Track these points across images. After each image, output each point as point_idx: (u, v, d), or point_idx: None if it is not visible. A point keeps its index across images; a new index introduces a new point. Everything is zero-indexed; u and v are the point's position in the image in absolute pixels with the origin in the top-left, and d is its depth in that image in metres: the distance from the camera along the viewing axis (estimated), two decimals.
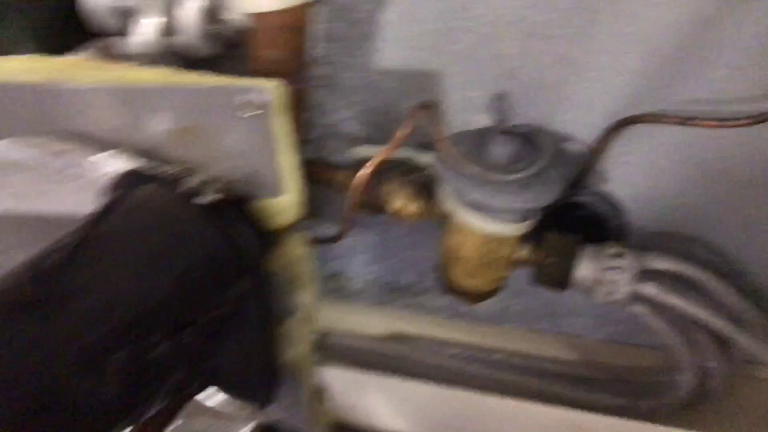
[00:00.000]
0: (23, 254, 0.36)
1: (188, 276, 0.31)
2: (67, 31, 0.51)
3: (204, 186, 0.34)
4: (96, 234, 0.31)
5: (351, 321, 0.58)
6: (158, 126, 0.35)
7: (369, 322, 0.58)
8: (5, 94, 0.35)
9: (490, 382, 0.49)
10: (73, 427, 0.25)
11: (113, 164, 0.35)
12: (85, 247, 0.30)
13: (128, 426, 0.29)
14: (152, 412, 0.30)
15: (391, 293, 0.58)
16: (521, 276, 0.47)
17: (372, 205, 0.44)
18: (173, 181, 0.35)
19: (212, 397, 0.47)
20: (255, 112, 0.33)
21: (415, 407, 0.52)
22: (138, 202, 0.33)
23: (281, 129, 0.33)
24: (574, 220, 0.48)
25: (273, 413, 0.47)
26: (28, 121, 0.36)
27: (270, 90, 0.32)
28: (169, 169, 0.35)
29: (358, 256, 0.56)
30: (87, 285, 0.28)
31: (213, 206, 0.34)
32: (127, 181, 0.35)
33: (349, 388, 0.49)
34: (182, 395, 0.37)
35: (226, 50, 0.45)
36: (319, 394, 0.48)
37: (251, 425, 0.49)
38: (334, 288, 0.59)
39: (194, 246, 0.32)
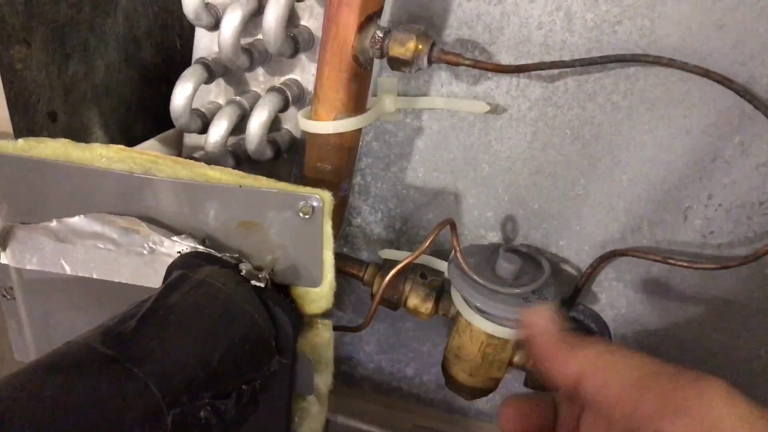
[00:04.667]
0: (92, 313, 0.40)
1: (238, 349, 0.34)
2: (139, 121, 0.57)
3: (256, 271, 0.37)
4: (162, 306, 0.33)
5: (351, 405, 0.61)
6: (221, 218, 0.38)
7: (369, 408, 0.60)
8: (93, 178, 0.38)
9: None
10: None
11: (177, 246, 0.39)
12: (153, 317, 0.32)
13: None
14: None
15: (393, 382, 0.60)
16: (517, 377, 0.50)
17: (390, 300, 0.47)
18: (230, 264, 0.38)
19: None
20: (308, 216, 0.36)
21: None
22: (199, 281, 0.35)
23: (326, 230, 0.37)
24: None
25: None
26: (108, 201, 0.39)
27: (323, 198, 0.36)
28: (226, 254, 0.38)
29: (369, 345, 0.58)
30: (153, 350, 0.30)
31: (263, 289, 0.37)
32: (190, 262, 0.38)
33: None
34: None
35: (281, 153, 0.48)
36: None
37: None
38: (342, 371, 0.61)
39: (245, 323, 0.35)
